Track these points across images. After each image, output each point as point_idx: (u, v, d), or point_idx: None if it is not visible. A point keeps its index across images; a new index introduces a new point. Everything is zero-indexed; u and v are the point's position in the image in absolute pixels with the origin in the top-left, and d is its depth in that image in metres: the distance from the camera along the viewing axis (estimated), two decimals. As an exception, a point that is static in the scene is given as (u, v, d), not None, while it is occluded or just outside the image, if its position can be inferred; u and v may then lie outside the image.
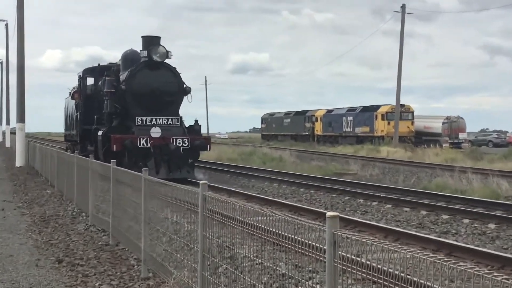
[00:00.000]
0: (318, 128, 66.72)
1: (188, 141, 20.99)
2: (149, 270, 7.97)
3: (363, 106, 61.02)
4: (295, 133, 71.63)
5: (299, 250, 4.29)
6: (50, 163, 20.96)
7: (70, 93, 29.54)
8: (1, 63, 69.02)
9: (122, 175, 9.84)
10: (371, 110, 58.65)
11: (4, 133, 70.80)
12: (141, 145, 20.32)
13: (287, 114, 76.41)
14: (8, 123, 66.44)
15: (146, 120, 21.08)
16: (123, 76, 22.40)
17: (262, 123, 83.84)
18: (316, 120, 67.48)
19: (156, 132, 20.83)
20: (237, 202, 5.46)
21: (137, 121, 21.03)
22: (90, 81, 26.15)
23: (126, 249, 9.54)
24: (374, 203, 16.08)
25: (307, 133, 69.02)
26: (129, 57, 22.94)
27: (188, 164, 21.34)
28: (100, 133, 21.80)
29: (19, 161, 30.78)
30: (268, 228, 4.80)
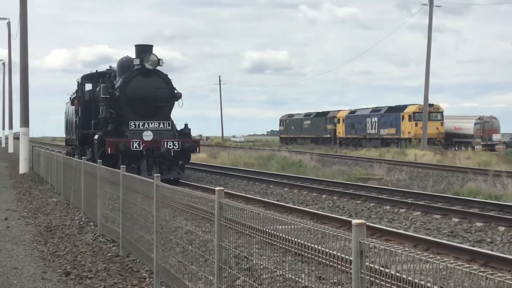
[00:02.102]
0: (340, 130, 66.62)
1: (178, 144, 23.48)
2: (162, 283, 7.98)
3: (389, 106, 60.82)
4: (316, 135, 71.60)
5: (323, 261, 4.27)
6: (55, 169, 21.17)
7: (70, 98, 32.62)
8: (3, 63, 69.73)
9: (132, 182, 9.88)
10: (397, 110, 58.42)
11: (7, 138, 71.46)
12: (134, 148, 22.78)
13: (307, 115, 76.37)
14: (11, 127, 67.07)
15: (139, 124, 23.74)
16: (117, 83, 24.98)
17: (280, 125, 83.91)
18: (338, 122, 67.38)
19: (148, 136, 23.35)
20: (256, 210, 5.44)
21: (130, 125, 23.71)
22: (88, 87, 28.94)
23: (137, 260, 9.58)
24: (401, 210, 16.01)
25: (328, 136, 68.96)
26: (125, 64, 25.55)
27: (178, 166, 23.74)
28: (96, 137, 24.43)
29: (22, 168, 31.06)
30: (288, 237, 4.78)
